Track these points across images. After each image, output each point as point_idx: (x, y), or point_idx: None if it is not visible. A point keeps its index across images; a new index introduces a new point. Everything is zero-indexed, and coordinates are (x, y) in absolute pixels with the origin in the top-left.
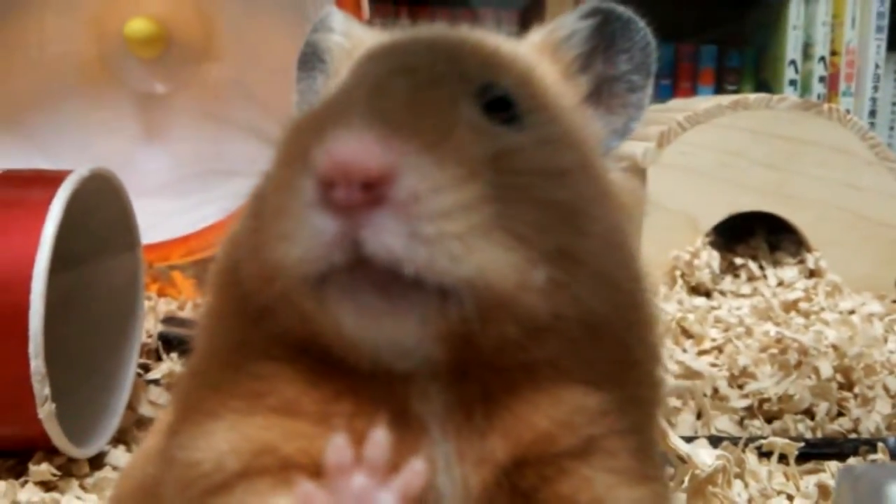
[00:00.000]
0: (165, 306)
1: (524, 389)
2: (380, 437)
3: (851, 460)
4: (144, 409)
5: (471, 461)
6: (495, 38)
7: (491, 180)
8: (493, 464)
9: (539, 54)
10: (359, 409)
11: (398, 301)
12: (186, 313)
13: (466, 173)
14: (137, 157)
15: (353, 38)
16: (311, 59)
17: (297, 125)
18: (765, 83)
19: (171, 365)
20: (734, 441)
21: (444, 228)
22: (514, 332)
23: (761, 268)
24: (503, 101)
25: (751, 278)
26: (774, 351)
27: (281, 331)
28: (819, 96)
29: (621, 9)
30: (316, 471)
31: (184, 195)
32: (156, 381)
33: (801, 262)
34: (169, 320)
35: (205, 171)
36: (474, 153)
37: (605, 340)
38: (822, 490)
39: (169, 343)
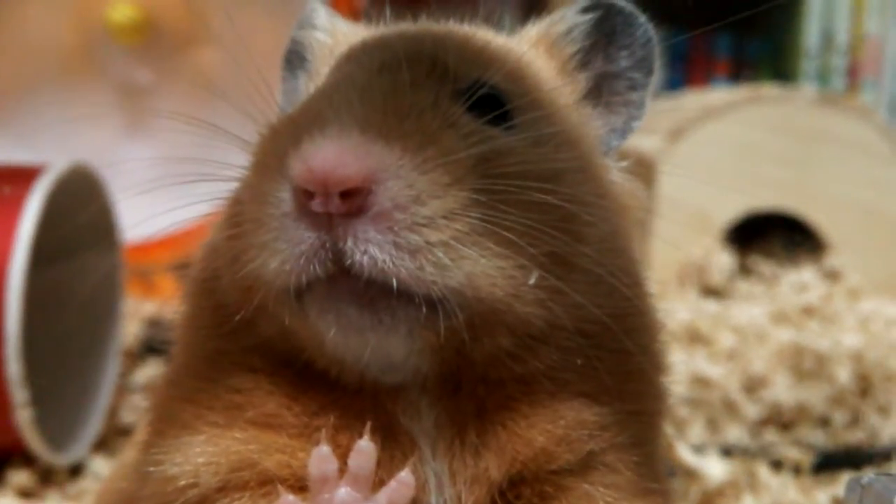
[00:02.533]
0: (150, 309)
1: (520, 404)
2: (365, 447)
3: (867, 471)
4: (126, 416)
5: (464, 480)
6: (486, 34)
7: (478, 185)
8: (488, 483)
9: (536, 49)
10: (343, 422)
11: (383, 314)
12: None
13: (451, 178)
14: (120, 151)
15: (336, 35)
16: (295, 59)
17: (274, 130)
18: (783, 74)
19: (153, 370)
20: (745, 452)
21: (429, 237)
22: (508, 342)
23: (777, 269)
24: (492, 100)
25: (766, 281)
26: (789, 357)
27: (260, 342)
28: (839, 88)
29: (622, 2)
30: (297, 485)
31: (169, 191)
32: (138, 387)
33: (819, 262)
34: (155, 324)
35: (192, 166)
36: (459, 157)
37: (603, 349)
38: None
39: (153, 347)
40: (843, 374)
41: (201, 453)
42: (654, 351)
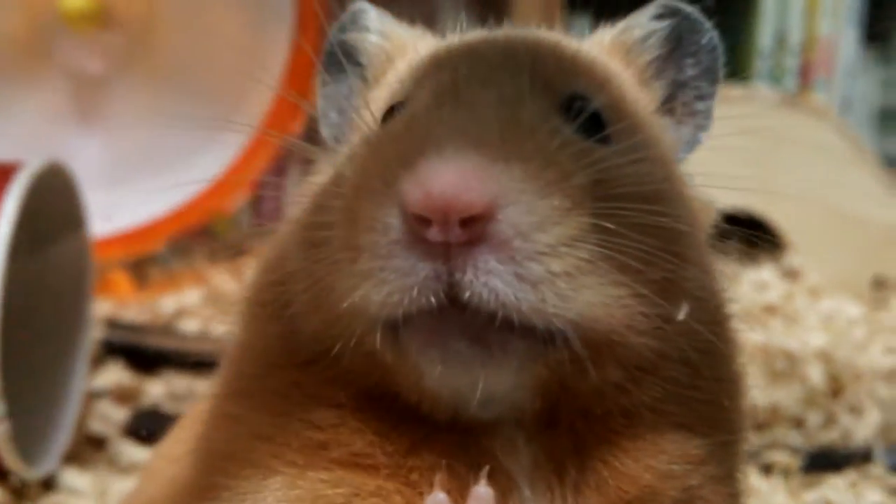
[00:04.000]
0: (106, 308)
1: (621, 438)
2: (484, 493)
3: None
4: (95, 425)
5: None
6: (567, 40)
7: (596, 209)
8: None
9: (611, 56)
10: (438, 463)
11: (495, 348)
12: (131, 317)
13: (571, 203)
14: (71, 144)
15: (393, 39)
16: (339, 61)
17: (372, 148)
18: (737, 73)
19: (118, 375)
20: None
21: (551, 266)
22: (618, 375)
23: (737, 268)
24: (592, 114)
25: (726, 279)
26: (760, 358)
27: (342, 374)
28: (792, 89)
29: (689, 8)
30: None
31: (124, 187)
32: (102, 393)
33: (778, 261)
34: (113, 325)
35: (147, 161)
36: (577, 179)
37: (701, 378)
38: None
39: (113, 350)
40: (815, 375)
41: (283, 498)
42: (741, 375)
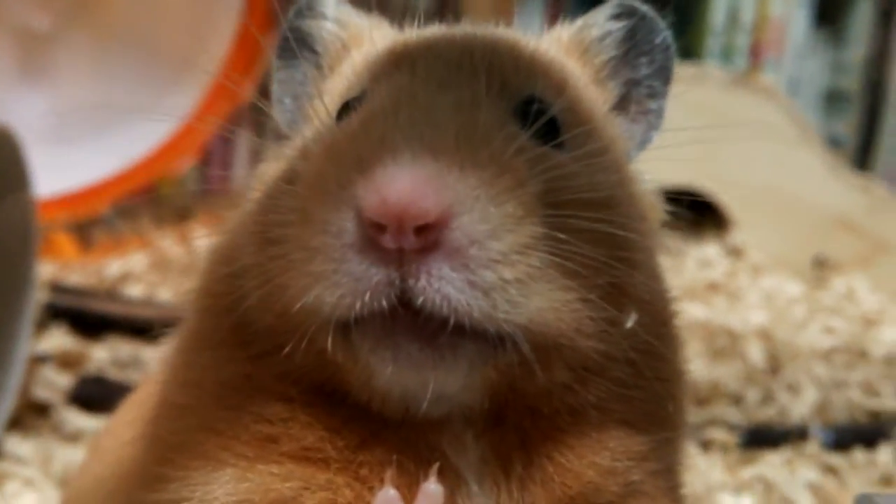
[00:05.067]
0: (49, 271)
1: (566, 435)
2: (434, 491)
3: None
4: (39, 392)
5: None
6: (525, 39)
7: (547, 215)
8: None
9: (568, 55)
10: (387, 458)
11: (446, 350)
12: (75, 280)
13: (524, 210)
14: (14, 100)
15: (349, 28)
16: (294, 47)
17: (329, 149)
18: (688, 51)
19: (62, 340)
20: None
21: (503, 274)
22: (565, 376)
23: (682, 245)
24: (548, 118)
25: (671, 255)
26: (702, 335)
27: (293, 369)
28: (742, 67)
29: (645, 8)
30: None
31: (68, 146)
32: (46, 358)
33: (722, 239)
34: (56, 289)
35: (93, 120)
36: (530, 186)
37: (644, 377)
38: (766, 485)
39: (57, 313)
40: (755, 353)
41: (232, 490)
42: (683, 373)
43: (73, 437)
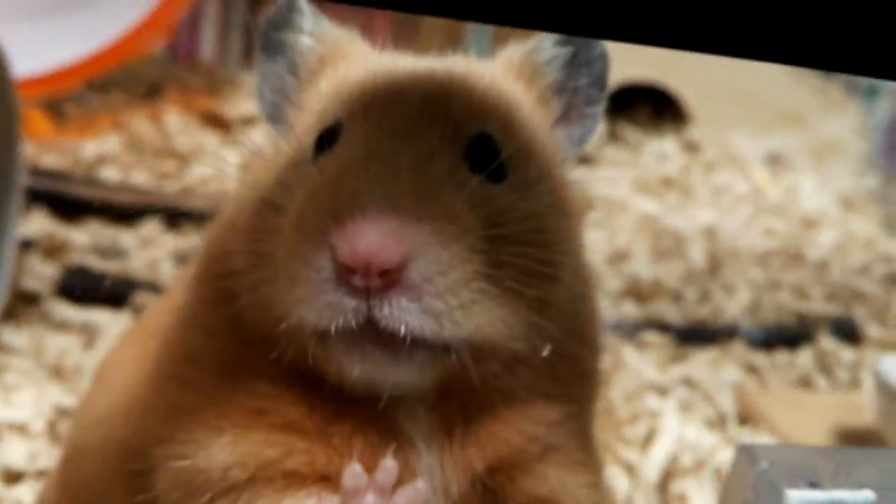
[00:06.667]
0: (26, 152)
1: (498, 408)
2: (390, 466)
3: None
4: (28, 282)
5: (451, 471)
6: (478, 71)
7: (488, 251)
8: (471, 472)
9: (515, 78)
10: (355, 428)
11: (402, 356)
12: (50, 162)
13: (469, 251)
14: None
15: (324, 42)
16: (275, 48)
17: (310, 195)
18: None
19: (42, 223)
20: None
21: (449, 302)
22: (497, 368)
23: (642, 137)
24: (491, 151)
25: (631, 147)
26: (648, 233)
27: (281, 356)
28: None
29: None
30: (317, 480)
31: (35, 23)
32: (30, 244)
33: (680, 133)
34: (34, 172)
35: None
36: (473, 228)
37: (567, 359)
38: (691, 384)
39: (37, 197)
40: (696, 253)
41: (230, 453)
42: (599, 345)
43: (62, 327)
